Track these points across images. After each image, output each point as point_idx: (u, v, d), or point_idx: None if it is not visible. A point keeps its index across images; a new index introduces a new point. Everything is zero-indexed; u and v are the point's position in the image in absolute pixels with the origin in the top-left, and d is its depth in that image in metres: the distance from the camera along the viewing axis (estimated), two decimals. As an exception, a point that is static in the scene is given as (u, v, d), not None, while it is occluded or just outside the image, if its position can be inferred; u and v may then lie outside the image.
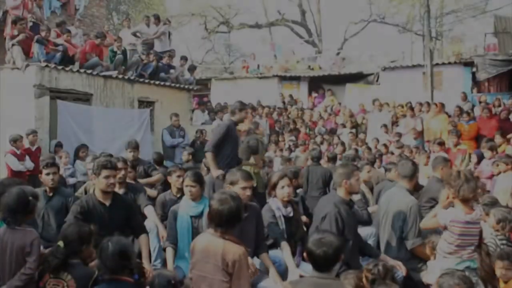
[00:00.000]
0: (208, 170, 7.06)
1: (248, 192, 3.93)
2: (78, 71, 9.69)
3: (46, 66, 8.95)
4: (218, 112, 13.35)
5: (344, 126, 12.88)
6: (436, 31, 20.16)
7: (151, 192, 5.92)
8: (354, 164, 4.74)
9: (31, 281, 3.24)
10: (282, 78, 18.03)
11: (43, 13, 11.21)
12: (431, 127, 11.20)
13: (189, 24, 28.37)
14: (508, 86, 15.09)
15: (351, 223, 4.15)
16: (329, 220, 3.96)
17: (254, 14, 30.09)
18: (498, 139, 8.58)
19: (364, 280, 3.27)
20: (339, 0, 37.88)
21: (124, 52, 11.03)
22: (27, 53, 9.10)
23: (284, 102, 16.17)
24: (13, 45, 8.99)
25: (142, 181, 6.46)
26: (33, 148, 8.35)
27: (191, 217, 4.47)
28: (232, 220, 2.95)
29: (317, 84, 18.05)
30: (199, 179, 4.55)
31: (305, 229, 4.99)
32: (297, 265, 4.19)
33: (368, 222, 5.32)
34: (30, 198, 3.45)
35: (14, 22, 9.12)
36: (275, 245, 4.39)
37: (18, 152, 7.95)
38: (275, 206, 4.47)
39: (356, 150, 10.11)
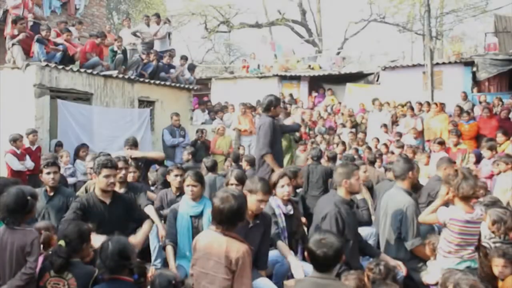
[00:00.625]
0: (208, 170, 7.10)
1: (263, 205, 3.90)
2: (78, 70, 9.69)
3: (47, 65, 8.96)
4: (218, 111, 13.35)
5: (343, 126, 12.88)
6: (436, 31, 20.14)
7: (151, 194, 5.92)
8: (354, 164, 4.73)
9: (32, 281, 3.24)
10: (282, 78, 18.03)
11: (43, 12, 11.19)
12: (431, 127, 11.20)
13: (189, 24, 28.38)
14: (509, 86, 15.10)
15: (352, 223, 4.15)
16: (329, 220, 3.96)
17: (254, 14, 30.04)
18: (500, 137, 8.57)
19: (365, 279, 3.27)
20: (340, 0, 37.85)
21: (124, 52, 11.03)
22: (27, 52, 9.11)
23: (284, 102, 16.15)
24: (13, 44, 8.99)
25: (139, 153, 6.40)
26: (33, 148, 8.35)
27: (191, 217, 4.48)
28: (233, 219, 2.95)
29: (317, 83, 18.05)
30: (200, 179, 4.59)
31: (305, 229, 4.99)
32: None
33: (368, 222, 5.32)
34: (29, 197, 3.44)
35: (14, 22, 9.13)
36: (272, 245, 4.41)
37: (18, 152, 7.95)
38: (275, 204, 4.48)
39: (357, 150, 10.11)
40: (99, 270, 3.13)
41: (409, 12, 22.24)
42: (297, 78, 18.03)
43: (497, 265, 3.50)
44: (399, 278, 3.83)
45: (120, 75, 10.64)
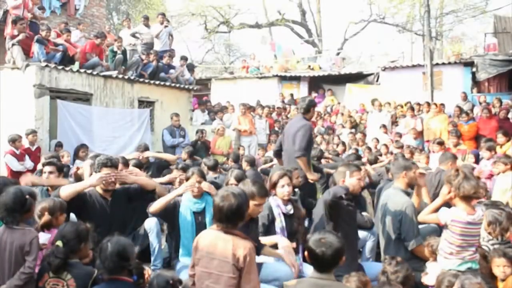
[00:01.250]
0: (209, 169, 7.10)
1: (261, 209, 3.90)
2: (78, 71, 9.69)
3: (46, 66, 8.96)
4: (218, 112, 13.35)
5: (343, 126, 12.88)
6: (436, 31, 20.17)
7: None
8: (355, 164, 4.73)
9: (31, 281, 3.24)
10: (282, 78, 18.04)
11: (44, 12, 11.20)
12: (431, 127, 11.20)
13: (189, 24, 28.41)
14: (508, 86, 15.11)
15: (350, 214, 4.22)
16: (323, 204, 4.04)
17: (254, 14, 30.07)
18: (500, 138, 8.56)
19: (379, 275, 3.27)
20: (339, 0, 37.86)
21: (124, 52, 11.03)
22: (27, 53, 9.11)
23: (283, 102, 16.16)
24: (13, 45, 9.00)
25: (151, 153, 6.56)
26: (33, 148, 8.36)
27: (194, 213, 4.53)
28: (233, 217, 2.93)
29: (317, 84, 18.07)
30: (204, 176, 4.72)
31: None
32: (299, 265, 4.19)
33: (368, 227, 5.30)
34: (27, 197, 3.44)
35: (14, 22, 9.13)
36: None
37: (17, 152, 7.96)
38: (275, 204, 4.48)
39: (357, 150, 10.11)
40: (99, 270, 3.14)
41: (408, 12, 22.29)
42: (297, 79, 18.04)
43: (498, 265, 3.49)
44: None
45: (120, 76, 10.64)
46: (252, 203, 3.70)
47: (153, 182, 4.78)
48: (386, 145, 9.99)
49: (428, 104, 12.16)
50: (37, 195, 4.04)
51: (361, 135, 11.64)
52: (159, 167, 6.83)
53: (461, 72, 15.47)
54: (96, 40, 10.42)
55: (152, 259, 4.88)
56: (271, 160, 9.02)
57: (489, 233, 3.86)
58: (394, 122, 12.61)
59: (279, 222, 4.43)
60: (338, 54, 22.98)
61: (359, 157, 8.19)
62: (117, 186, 4.86)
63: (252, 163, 7.78)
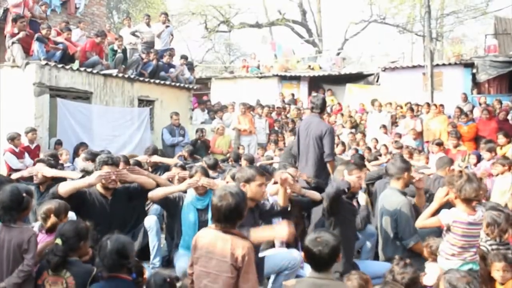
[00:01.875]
0: (209, 168, 7.08)
1: (263, 189, 3.90)
2: (78, 69, 9.68)
3: (46, 64, 8.95)
4: (218, 111, 13.34)
5: (343, 126, 12.88)
6: (436, 32, 20.18)
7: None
8: (354, 163, 4.75)
9: (29, 278, 3.24)
10: (282, 78, 18.03)
11: (45, 11, 11.17)
12: (431, 128, 11.20)
13: (190, 23, 28.42)
14: (508, 88, 15.12)
15: (350, 211, 4.26)
16: (326, 197, 4.06)
17: (255, 14, 30.07)
18: (501, 139, 8.55)
19: (387, 273, 3.27)
20: (340, 0, 37.84)
21: (124, 51, 11.03)
22: (27, 51, 9.11)
23: (283, 101, 16.17)
24: (13, 43, 9.00)
25: (157, 158, 6.65)
26: (32, 146, 8.36)
27: (197, 210, 4.54)
28: (231, 217, 2.91)
29: (317, 84, 18.06)
30: (207, 174, 4.76)
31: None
32: (301, 267, 4.22)
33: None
34: (24, 194, 3.44)
35: (15, 20, 9.13)
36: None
37: (16, 150, 7.95)
38: (272, 199, 4.49)
39: (356, 150, 10.10)
40: (98, 268, 3.14)
41: (409, 13, 22.32)
42: (297, 78, 18.03)
43: (498, 269, 3.48)
44: None
45: (120, 74, 10.64)
46: (254, 184, 3.76)
47: (152, 181, 4.78)
48: (385, 146, 9.99)
49: (428, 105, 12.16)
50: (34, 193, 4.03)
51: (361, 135, 11.64)
52: (167, 170, 6.87)
53: (461, 73, 15.47)
54: (96, 39, 10.41)
55: (151, 257, 4.89)
56: (272, 159, 9.15)
57: (487, 234, 3.85)
58: (394, 123, 12.61)
59: (276, 218, 4.45)
60: (338, 54, 22.99)
61: (362, 157, 8.19)
62: (118, 185, 4.89)
63: (252, 161, 7.80)
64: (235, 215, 2.92)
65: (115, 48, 10.91)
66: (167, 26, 12.72)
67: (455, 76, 15.44)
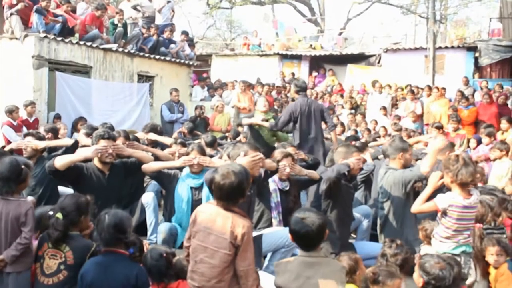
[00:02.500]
0: (207, 145, 7.09)
1: (260, 164, 3.91)
2: (77, 43, 9.59)
3: (45, 37, 8.85)
4: (218, 88, 13.28)
5: (342, 107, 12.84)
6: (440, 14, 19.93)
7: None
8: (354, 145, 4.77)
9: (27, 251, 3.27)
10: (283, 57, 17.90)
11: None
12: (432, 111, 11.17)
13: (191, -1, 28.06)
14: (510, 72, 15.03)
15: (348, 194, 4.34)
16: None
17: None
18: (504, 124, 8.48)
19: (378, 257, 3.30)
20: (344, -21, 37.27)
21: (124, 25, 10.90)
22: (26, 23, 8.99)
23: (284, 80, 16.08)
24: (11, 14, 8.87)
25: (154, 136, 6.88)
26: (31, 120, 8.33)
27: (191, 188, 4.54)
28: (233, 195, 2.91)
29: (318, 63, 17.95)
30: (204, 152, 4.74)
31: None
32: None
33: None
34: (23, 167, 3.44)
35: (13, -9, 8.98)
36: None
37: (14, 123, 7.93)
38: (271, 179, 4.50)
39: (356, 131, 10.11)
40: (96, 242, 3.16)
41: (413, -6, 22.00)
42: (298, 58, 17.90)
43: (492, 253, 3.52)
44: None
45: (120, 49, 10.54)
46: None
47: (150, 156, 4.78)
48: (384, 127, 9.99)
49: (429, 87, 12.10)
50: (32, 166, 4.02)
51: (360, 117, 11.62)
52: (163, 148, 6.87)
53: (463, 57, 15.36)
54: (96, 12, 10.27)
55: (148, 233, 4.92)
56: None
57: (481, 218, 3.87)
58: (394, 105, 12.58)
59: (274, 197, 4.49)
60: (340, 34, 22.75)
61: (357, 138, 8.21)
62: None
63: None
64: (238, 194, 2.91)
65: (116, 22, 10.78)
66: (168, 1, 12.56)
67: (457, 59, 15.33)
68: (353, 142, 6.50)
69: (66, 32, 9.52)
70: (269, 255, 4.21)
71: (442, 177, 3.49)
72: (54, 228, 3.18)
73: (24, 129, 8.00)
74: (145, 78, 11.50)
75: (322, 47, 18.36)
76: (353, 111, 12.36)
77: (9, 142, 7.75)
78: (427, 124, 10.86)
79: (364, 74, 15.83)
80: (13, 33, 8.89)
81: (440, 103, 11.18)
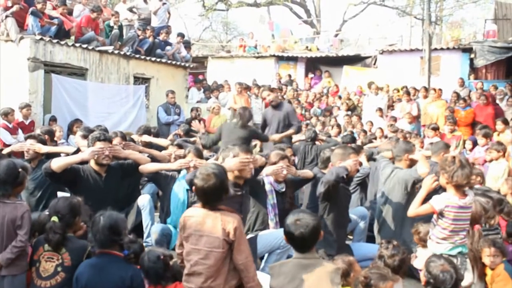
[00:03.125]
0: (204, 147, 7.09)
1: (251, 166, 3.93)
2: (73, 45, 9.57)
3: (41, 39, 8.83)
4: (214, 90, 13.27)
5: (338, 108, 12.85)
6: (436, 16, 20.02)
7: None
8: (351, 147, 4.79)
9: (23, 254, 3.26)
10: (279, 58, 17.91)
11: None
12: (429, 112, 11.19)
13: (187, 1, 28.02)
14: (506, 74, 15.08)
15: (345, 196, 4.35)
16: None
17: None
18: (499, 125, 8.53)
19: (376, 258, 3.29)
20: (339, -19, 37.40)
21: (120, 27, 10.88)
22: (21, 25, 8.97)
23: (280, 82, 16.08)
24: (6, 16, 8.85)
25: (147, 138, 6.87)
26: (27, 122, 8.31)
27: (187, 190, 4.55)
28: (217, 195, 2.97)
29: (314, 65, 17.97)
30: (201, 155, 4.79)
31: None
32: None
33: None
34: (20, 170, 3.42)
35: (9, -7, 8.96)
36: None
37: (10, 126, 7.90)
38: (267, 181, 4.50)
39: (352, 133, 10.12)
40: (90, 243, 3.16)
41: (409, -5, 22.06)
42: (294, 59, 17.91)
43: (488, 255, 3.53)
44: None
45: (116, 51, 10.52)
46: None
47: (147, 158, 4.77)
48: (381, 129, 10.01)
49: (426, 89, 12.13)
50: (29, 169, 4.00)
51: (356, 118, 11.64)
52: (158, 149, 6.86)
53: (459, 58, 15.40)
54: (92, 14, 10.26)
55: (144, 236, 4.91)
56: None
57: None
58: (390, 106, 12.60)
59: (271, 199, 4.49)
60: (336, 35, 22.80)
61: (354, 139, 8.23)
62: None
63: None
64: (222, 192, 2.98)
65: (111, 24, 10.76)
66: (164, 3, 12.55)
67: (452, 60, 15.37)
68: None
69: (61, 34, 9.50)
70: (265, 256, 4.21)
71: (435, 180, 3.52)
72: (54, 232, 3.17)
73: (20, 132, 7.98)
74: (141, 80, 11.48)
75: (318, 49, 18.38)
76: (349, 112, 12.38)
77: (4, 145, 7.73)
78: (424, 126, 10.89)
79: (360, 76, 15.84)
80: (8, 36, 8.87)
81: (437, 105, 11.20)
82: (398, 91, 13.41)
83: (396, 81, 14.22)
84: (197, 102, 12.87)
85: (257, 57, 17.90)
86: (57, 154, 5.30)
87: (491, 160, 6.65)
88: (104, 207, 3.30)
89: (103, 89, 10.26)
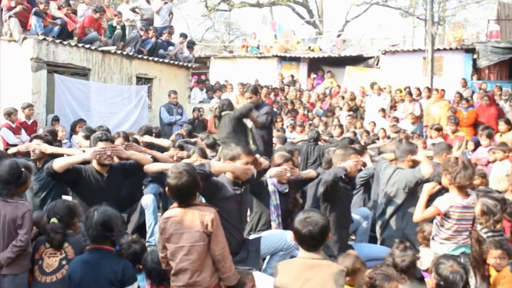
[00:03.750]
0: (207, 147, 7.08)
1: (251, 168, 3.91)
2: (76, 45, 9.58)
3: (44, 39, 8.85)
4: (217, 90, 13.28)
5: (340, 109, 12.84)
6: (438, 16, 19.95)
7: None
8: (353, 147, 4.78)
9: (24, 253, 3.26)
10: (282, 59, 17.91)
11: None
12: (431, 113, 11.17)
13: (190, 1, 28.06)
14: (509, 74, 15.05)
15: (346, 196, 4.35)
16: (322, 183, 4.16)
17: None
18: (501, 125, 8.51)
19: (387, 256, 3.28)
20: (342, -19, 37.32)
21: (123, 28, 10.90)
22: (24, 25, 8.99)
23: (282, 82, 16.08)
24: (10, 17, 8.87)
25: (149, 138, 6.81)
26: (29, 122, 8.33)
27: None
28: (192, 191, 3.06)
29: (316, 65, 17.96)
30: (205, 156, 4.88)
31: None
32: (297, 248, 4.26)
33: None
34: (23, 169, 3.43)
35: (12, -7, 8.98)
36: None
37: (13, 126, 7.92)
38: (270, 181, 4.50)
39: (354, 133, 10.11)
40: (83, 237, 3.20)
41: (412, -4, 22.00)
42: (297, 60, 17.91)
43: (495, 256, 3.50)
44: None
45: (119, 51, 10.54)
46: (239, 162, 3.79)
47: (149, 158, 4.76)
48: (383, 129, 10.00)
49: (429, 89, 12.11)
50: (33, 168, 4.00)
51: (354, 119, 11.64)
52: (159, 150, 6.86)
53: (461, 59, 15.38)
54: (94, 15, 10.28)
55: (147, 235, 4.91)
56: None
57: (481, 223, 3.84)
58: (393, 107, 12.59)
59: (274, 200, 4.48)
60: (339, 36, 22.80)
61: (352, 141, 8.19)
62: (116, 160, 4.88)
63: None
64: (196, 188, 3.08)
65: (114, 24, 10.78)
66: (166, 3, 12.56)
67: (455, 61, 15.35)
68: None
69: (64, 34, 9.52)
70: (267, 257, 4.20)
71: (435, 186, 3.54)
72: (55, 232, 3.22)
73: (23, 132, 7.99)
74: (143, 80, 11.49)
75: (320, 49, 18.37)
76: (351, 113, 12.36)
77: (7, 144, 7.75)
78: (426, 126, 10.87)
79: (362, 76, 15.83)
80: (11, 36, 8.89)
81: (440, 105, 11.18)
82: (401, 91, 13.39)
83: (399, 82, 14.20)
84: (200, 102, 12.87)
85: (260, 58, 17.90)
86: (62, 155, 5.32)
87: (494, 161, 6.63)
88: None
89: (106, 89, 10.28)
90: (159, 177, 4.76)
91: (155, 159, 4.85)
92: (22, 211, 3.30)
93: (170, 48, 12.24)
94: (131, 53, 10.91)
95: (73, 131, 8.75)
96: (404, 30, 30.47)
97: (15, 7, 8.90)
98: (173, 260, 3.03)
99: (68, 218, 3.34)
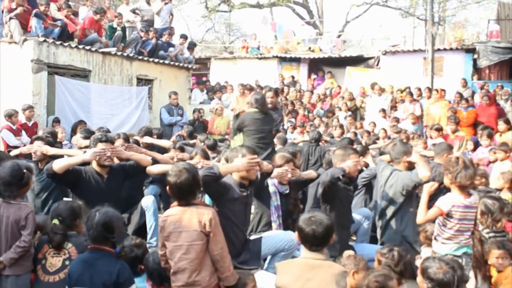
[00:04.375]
0: (208, 148, 7.08)
1: (257, 168, 3.91)
2: (76, 46, 9.59)
3: (44, 41, 8.86)
4: (217, 91, 13.29)
5: (340, 109, 12.84)
6: (439, 16, 19.95)
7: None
8: (353, 148, 4.77)
9: (27, 254, 3.28)
10: (282, 59, 17.91)
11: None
12: (431, 113, 11.17)
13: (190, 2, 28.09)
14: (509, 74, 15.04)
15: (346, 196, 4.36)
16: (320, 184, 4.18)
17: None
18: (501, 125, 8.52)
19: (376, 264, 3.24)
20: (342, -18, 37.32)
21: (123, 29, 10.90)
22: (25, 27, 9.00)
23: (283, 83, 16.08)
24: (10, 18, 8.88)
25: (149, 139, 6.81)
26: (30, 123, 8.34)
27: None
28: (192, 190, 3.07)
29: (317, 66, 17.95)
30: (207, 157, 4.88)
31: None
32: (297, 244, 4.25)
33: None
34: (25, 171, 3.44)
35: (12, -5, 8.99)
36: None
37: (14, 127, 7.92)
38: (271, 182, 4.50)
39: (355, 134, 10.10)
40: (84, 237, 3.23)
41: (412, -4, 22.01)
42: (297, 60, 17.91)
43: (497, 257, 3.50)
44: None
45: (119, 53, 10.55)
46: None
47: (149, 159, 4.76)
48: (384, 129, 9.99)
49: (429, 89, 12.11)
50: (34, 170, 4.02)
51: (353, 119, 11.64)
52: (159, 151, 6.86)
53: (462, 59, 15.37)
54: (95, 16, 10.29)
55: (148, 237, 4.90)
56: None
57: (481, 223, 3.84)
58: (394, 107, 12.58)
59: (274, 201, 4.49)
60: (339, 36, 22.79)
61: (352, 142, 8.19)
62: (116, 161, 4.88)
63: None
64: (195, 187, 3.09)
65: (115, 25, 10.79)
66: (166, 4, 12.57)
67: (456, 61, 15.34)
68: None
69: (65, 36, 9.53)
70: (268, 258, 4.21)
71: (436, 184, 3.54)
72: (54, 232, 3.24)
73: (23, 133, 8.00)
74: (144, 81, 11.50)
75: (321, 50, 18.37)
76: (350, 113, 12.35)
77: (8, 146, 7.76)
78: (426, 126, 10.87)
79: (363, 77, 15.83)
80: (12, 37, 8.90)
81: (440, 105, 11.18)
82: (402, 91, 13.39)
83: (399, 82, 14.19)
84: (200, 103, 12.88)
85: (260, 58, 17.91)
86: (63, 157, 5.32)
87: (495, 161, 6.63)
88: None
89: (106, 91, 10.28)
90: (159, 178, 4.75)
91: (156, 161, 4.85)
92: (26, 212, 3.31)
93: (171, 49, 12.25)
94: (131, 55, 10.92)
95: (74, 132, 8.76)
96: (404, 30, 30.55)
97: (15, 8, 8.91)
98: (171, 259, 3.05)
99: (70, 220, 3.34)
